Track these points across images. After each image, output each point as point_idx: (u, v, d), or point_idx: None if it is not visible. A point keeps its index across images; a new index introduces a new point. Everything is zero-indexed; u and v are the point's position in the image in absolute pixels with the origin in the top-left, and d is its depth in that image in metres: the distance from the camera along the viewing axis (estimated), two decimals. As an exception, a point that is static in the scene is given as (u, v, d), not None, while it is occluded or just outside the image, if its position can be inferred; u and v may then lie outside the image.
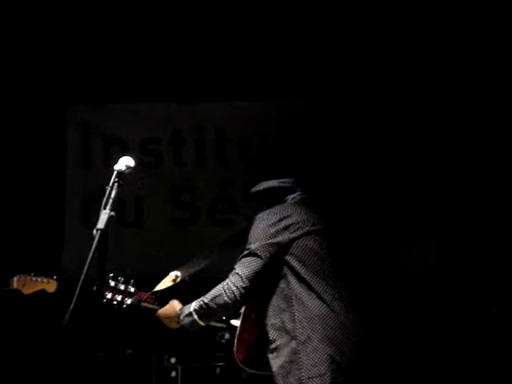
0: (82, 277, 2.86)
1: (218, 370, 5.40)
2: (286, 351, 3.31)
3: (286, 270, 3.37)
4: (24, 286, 3.95)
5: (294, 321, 3.31)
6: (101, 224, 2.97)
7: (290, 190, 3.61)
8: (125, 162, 3.17)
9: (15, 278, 3.95)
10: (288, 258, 3.38)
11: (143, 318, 3.64)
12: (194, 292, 3.56)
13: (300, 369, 3.25)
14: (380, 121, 6.27)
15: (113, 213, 3.01)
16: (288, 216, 3.44)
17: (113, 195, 3.08)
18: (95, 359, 5.70)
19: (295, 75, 6.24)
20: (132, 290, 3.66)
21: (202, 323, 3.45)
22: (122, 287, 3.65)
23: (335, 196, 6.02)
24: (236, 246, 3.63)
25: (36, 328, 5.95)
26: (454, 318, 5.91)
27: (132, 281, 3.70)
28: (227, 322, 3.66)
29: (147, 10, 6.15)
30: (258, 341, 3.45)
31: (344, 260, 3.52)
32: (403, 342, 5.76)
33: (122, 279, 3.67)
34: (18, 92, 6.29)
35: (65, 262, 6.20)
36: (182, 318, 3.47)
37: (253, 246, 3.38)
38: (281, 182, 3.64)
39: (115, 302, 3.60)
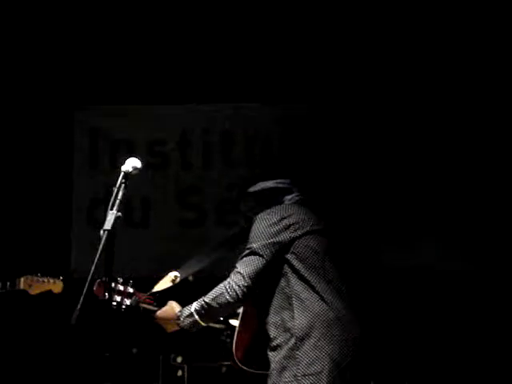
0: (89, 277, 2.88)
1: (223, 370, 5.42)
2: (285, 348, 3.31)
3: (286, 268, 3.37)
4: (30, 286, 3.92)
5: (293, 319, 3.31)
6: (108, 225, 2.97)
7: (287, 191, 3.60)
8: (132, 164, 3.15)
9: (22, 279, 3.94)
10: (288, 256, 3.37)
11: (149, 317, 3.60)
12: (194, 292, 3.51)
13: (297, 365, 3.24)
14: (380, 122, 6.30)
15: (120, 213, 3.01)
16: (288, 216, 3.43)
17: (120, 196, 3.07)
18: (102, 359, 5.73)
19: (300, 78, 6.28)
20: (131, 290, 3.57)
21: (202, 324, 3.41)
22: (121, 288, 3.56)
23: (336, 196, 6.05)
24: (236, 246, 3.62)
25: (43, 328, 5.98)
26: (453, 318, 5.92)
27: (131, 281, 3.61)
28: (226, 322, 3.61)
29: (152, 13, 6.19)
30: (257, 340, 3.44)
31: (344, 260, 3.52)
32: (403, 342, 5.78)
33: (121, 280, 3.58)
34: (27, 95, 6.34)
35: (74, 263, 6.25)
36: (182, 319, 3.41)
37: (254, 245, 3.37)
38: (277, 183, 3.62)
39: (114, 303, 3.51)
